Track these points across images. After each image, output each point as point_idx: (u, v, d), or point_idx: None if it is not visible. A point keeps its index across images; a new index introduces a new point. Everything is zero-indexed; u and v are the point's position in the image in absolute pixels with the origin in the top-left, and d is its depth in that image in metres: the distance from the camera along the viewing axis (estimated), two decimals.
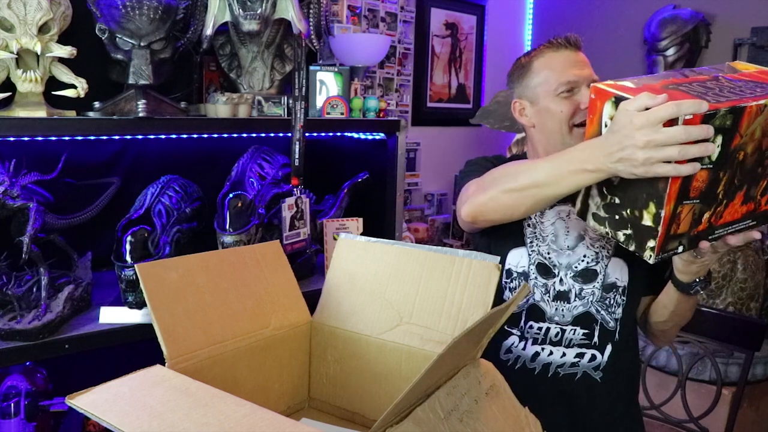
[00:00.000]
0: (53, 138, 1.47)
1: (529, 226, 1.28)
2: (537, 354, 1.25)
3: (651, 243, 0.89)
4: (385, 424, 0.68)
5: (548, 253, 1.26)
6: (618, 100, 0.88)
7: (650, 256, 0.90)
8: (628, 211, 0.92)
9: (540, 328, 1.25)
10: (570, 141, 1.23)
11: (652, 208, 0.87)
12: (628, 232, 0.93)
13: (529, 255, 1.27)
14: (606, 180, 0.93)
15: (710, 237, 0.94)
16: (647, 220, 0.88)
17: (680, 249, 0.92)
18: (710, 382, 2.25)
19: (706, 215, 0.90)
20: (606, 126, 0.91)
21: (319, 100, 1.79)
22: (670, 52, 2.96)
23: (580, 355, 1.23)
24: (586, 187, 0.98)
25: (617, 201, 0.94)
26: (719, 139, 0.83)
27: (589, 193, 0.99)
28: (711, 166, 0.84)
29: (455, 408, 0.78)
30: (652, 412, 1.81)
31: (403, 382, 0.95)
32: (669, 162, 0.82)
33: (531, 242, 1.27)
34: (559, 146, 1.25)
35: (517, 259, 1.27)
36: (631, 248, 0.93)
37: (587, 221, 1.01)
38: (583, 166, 0.94)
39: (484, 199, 1.12)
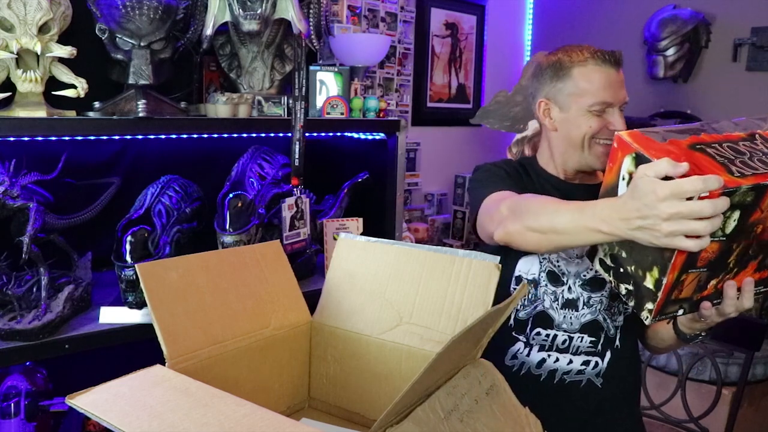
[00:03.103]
0: (53, 138, 1.47)
1: None
2: (543, 360, 1.25)
3: (649, 305, 0.88)
4: (385, 424, 0.68)
5: (557, 261, 1.26)
6: (639, 159, 0.84)
7: (647, 317, 0.89)
8: (632, 268, 0.90)
9: (548, 335, 1.25)
10: (587, 157, 1.25)
11: (655, 272, 0.86)
12: (630, 287, 0.92)
13: (540, 262, 1.27)
14: None
15: (715, 301, 0.92)
16: (649, 283, 0.87)
17: (680, 312, 0.91)
18: (710, 382, 2.25)
19: (713, 282, 0.89)
20: (623, 179, 0.88)
21: (319, 100, 1.78)
22: (670, 52, 2.95)
23: (587, 363, 1.24)
24: None
25: (623, 255, 0.93)
26: (736, 215, 0.80)
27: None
28: (724, 239, 0.83)
29: (455, 408, 0.78)
30: (652, 412, 1.81)
31: (403, 382, 0.95)
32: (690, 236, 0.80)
33: None
34: (576, 158, 1.26)
35: (528, 266, 1.27)
36: (630, 303, 0.92)
37: (593, 264, 1.00)
38: (599, 226, 0.91)
39: (513, 231, 1.08)
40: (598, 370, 1.24)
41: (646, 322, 0.90)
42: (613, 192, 0.92)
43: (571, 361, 1.24)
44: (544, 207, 1.04)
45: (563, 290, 1.25)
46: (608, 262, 0.97)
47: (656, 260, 0.85)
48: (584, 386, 1.24)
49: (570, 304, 1.25)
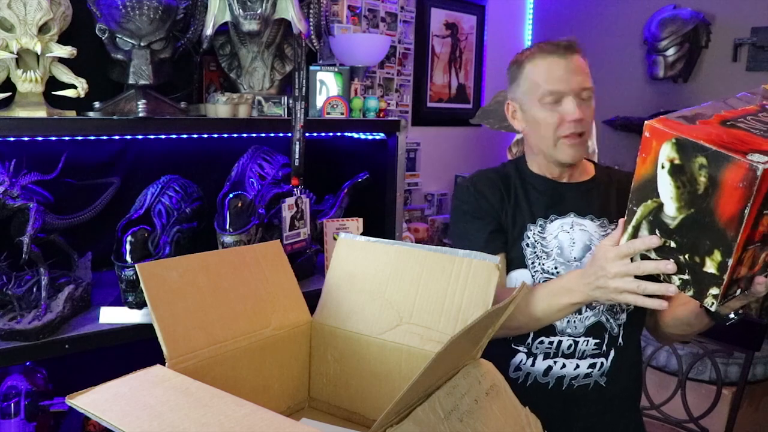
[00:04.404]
0: (53, 138, 1.47)
1: (528, 246, 1.26)
2: (549, 368, 1.23)
3: (714, 291, 0.86)
4: (385, 424, 0.68)
5: (555, 268, 1.24)
6: (680, 143, 0.84)
7: (712, 303, 0.87)
8: (687, 257, 0.88)
9: (551, 342, 1.23)
10: (555, 153, 1.24)
11: (717, 255, 0.84)
12: (686, 277, 0.90)
13: (533, 276, 1.25)
14: (660, 222, 0.91)
15: (766, 274, 0.91)
16: (710, 268, 0.85)
17: (738, 292, 0.90)
18: (710, 382, 2.25)
19: (763, 255, 0.88)
20: (663, 167, 0.88)
21: (319, 100, 1.78)
22: (670, 52, 2.95)
23: (593, 365, 1.23)
24: (633, 227, 0.94)
25: (673, 245, 0.90)
26: None
27: (638, 235, 0.95)
28: None
29: (455, 408, 0.78)
30: (652, 412, 1.81)
31: (403, 382, 0.95)
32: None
33: (532, 263, 1.26)
34: (549, 153, 1.25)
35: (521, 280, 1.24)
36: (688, 293, 0.90)
37: (634, 261, 0.98)
38: (571, 299, 1.08)
39: (500, 335, 1.15)
40: (603, 370, 1.23)
41: (712, 309, 0.88)
42: (650, 184, 0.90)
43: (577, 366, 1.23)
44: (519, 314, 1.14)
45: None
46: (653, 256, 0.94)
47: (716, 243, 0.83)
48: (592, 389, 1.23)
49: None
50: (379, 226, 1.87)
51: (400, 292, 1.01)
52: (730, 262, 0.82)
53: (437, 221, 3.23)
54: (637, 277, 0.97)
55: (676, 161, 0.85)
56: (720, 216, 0.82)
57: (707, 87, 3.01)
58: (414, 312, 1.00)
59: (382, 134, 1.87)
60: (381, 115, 1.86)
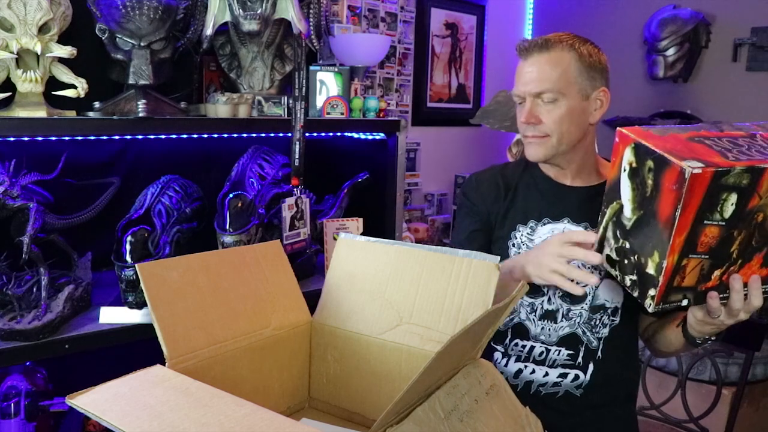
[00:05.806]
0: (53, 138, 1.47)
1: (513, 246, 1.27)
2: (520, 371, 1.25)
3: (652, 292, 0.89)
4: (385, 424, 0.68)
5: None
6: (638, 148, 0.88)
7: (650, 304, 0.90)
8: (636, 257, 0.92)
9: (524, 346, 1.25)
10: (526, 151, 1.27)
11: (656, 257, 0.87)
12: (634, 278, 0.93)
13: None
14: (620, 224, 0.94)
15: (722, 295, 0.92)
16: (651, 269, 0.88)
17: (685, 302, 0.91)
18: (710, 382, 2.25)
19: (717, 272, 0.89)
20: (624, 170, 0.92)
21: (319, 100, 1.78)
22: (670, 52, 2.95)
23: (564, 375, 1.23)
24: (603, 228, 0.99)
25: (627, 246, 0.94)
26: (734, 198, 0.82)
27: (605, 236, 0.99)
28: (723, 223, 0.83)
29: (455, 408, 0.78)
30: (652, 412, 1.81)
31: (403, 382, 0.95)
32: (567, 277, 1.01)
33: None
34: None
35: None
36: (635, 294, 0.93)
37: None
38: (513, 275, 1.10)
39: None
40: (579, 383, 1.22)
41: (650, 310, 0.90)
42: (616, 186, 0.94)
43: (546, 374, 1.23)
44: None
45: (542, 301, 1.24)
46: (614, 256, 0.97)
47: (656, 244, 0.86)
48: (560, 397, 1.23)
49: (548, 316, 1.23)
50: (379, 226, 1.87)
51: (400, 292, 1.01)
52: (665, 263, 0.85)
53: (437, 221, 3.23)
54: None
55: (634, 164, 0.89)
56: (660, 218, 0.85)
57: (707, 87, 3.01)
58: (414, 312, 1.00)
59: (382, 134, 1.87)
60: (381, 115, 1.86)
